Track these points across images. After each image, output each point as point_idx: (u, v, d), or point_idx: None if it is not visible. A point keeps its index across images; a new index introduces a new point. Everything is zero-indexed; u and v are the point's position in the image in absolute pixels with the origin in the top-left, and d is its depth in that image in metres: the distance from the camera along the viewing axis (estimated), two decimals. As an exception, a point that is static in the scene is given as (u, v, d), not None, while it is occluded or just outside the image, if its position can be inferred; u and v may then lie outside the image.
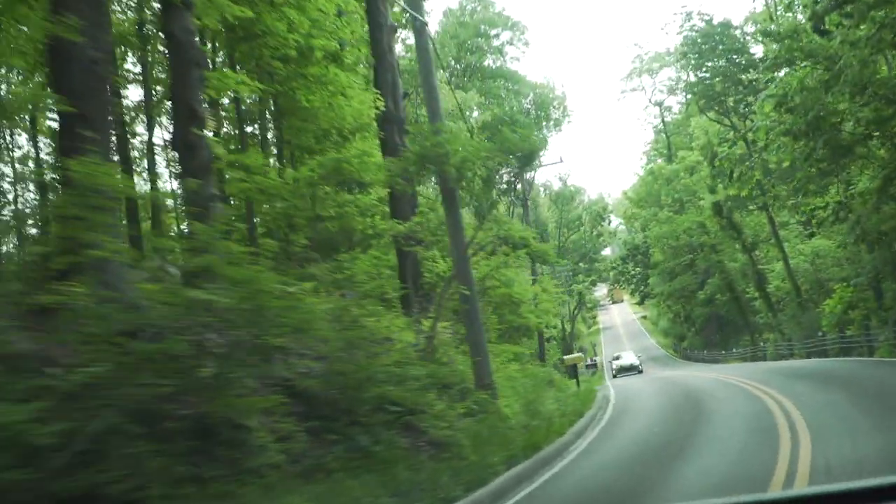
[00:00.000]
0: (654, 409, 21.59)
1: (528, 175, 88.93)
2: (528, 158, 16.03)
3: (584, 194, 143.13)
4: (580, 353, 35.74)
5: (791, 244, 47.38)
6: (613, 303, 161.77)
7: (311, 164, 18.68)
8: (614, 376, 53.22)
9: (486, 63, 76.05)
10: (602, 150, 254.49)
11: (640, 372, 53.32)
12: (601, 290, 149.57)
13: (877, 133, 25.57)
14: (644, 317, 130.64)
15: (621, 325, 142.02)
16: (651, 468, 11.46)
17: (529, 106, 77.27)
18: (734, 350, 54.47)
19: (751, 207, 47.01)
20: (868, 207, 27.51)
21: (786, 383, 21.12)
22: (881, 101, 24.51)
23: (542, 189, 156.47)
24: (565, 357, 32.48)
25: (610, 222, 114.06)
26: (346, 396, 10.98)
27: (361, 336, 12.91)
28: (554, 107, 78.89)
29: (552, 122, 79.84)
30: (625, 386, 36.55)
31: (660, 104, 74.01)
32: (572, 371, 32.37)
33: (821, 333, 34.45)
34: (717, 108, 47.00)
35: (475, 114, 75.71)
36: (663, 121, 76.26)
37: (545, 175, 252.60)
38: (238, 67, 21.66)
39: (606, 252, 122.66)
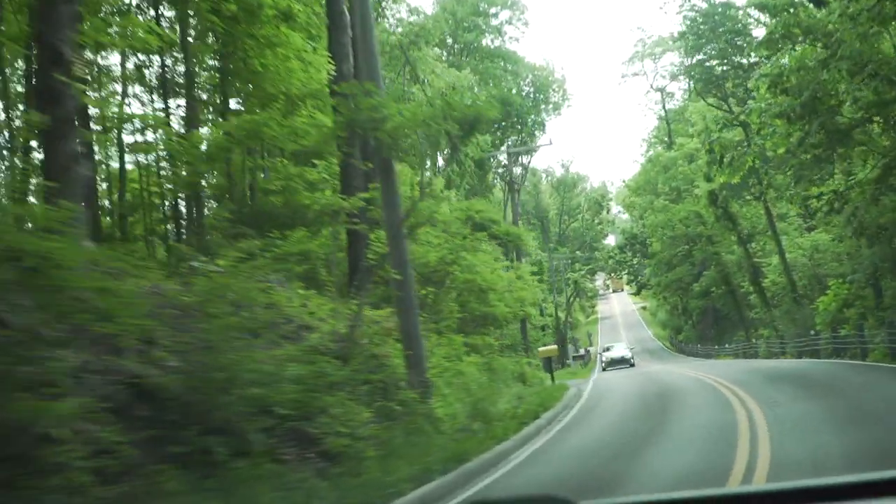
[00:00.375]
0: (619, 412, 19.75)
1: (525, 160, 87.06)
2: (472, 126, 13.98)
3: (586, 182, 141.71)
4: (555, 346, 33.54)
5: (789, 237, 45.33)
6: (613, 292, 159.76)
7: (227, 125, 16.67)
8: (604, 369, 50.69)
9: (484, 43, 73.88)
10: (605, 136, 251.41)
11: (632, 365, 50.38)
12: (602, 280, 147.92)
13: (877, 118, 23.50)
14: (644, 307, 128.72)
15: (620, 315, 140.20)
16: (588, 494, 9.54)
17: (528, 88, 75.15)
18: (727, 345, 52.41)
19: (747, 197, 44.89)
20: (866, 198, 25.46)
21: (765, 388, 19.33)
22: (882, 82, 22.41)
23: (544, 175, 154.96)
24: (540, 349, 30.49)
25: (609, 210, 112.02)
26: (202, 397, 9.04)
27: (253, 325, 10.97)
28: (553, 90, 76.70)
29: (551, 106, 77.67)
30: (608, 380, 34.68)
31: (661, 90, 71.73)
32: (547, 364, 30.44)
33: (813, 332, 32.44)
34: (716, 93, 44.89)
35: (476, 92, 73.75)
36: (664, 107, 74.01)
37: (547, 161, 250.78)
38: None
39: (609, 241, 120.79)
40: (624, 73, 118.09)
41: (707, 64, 42.16)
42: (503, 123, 72.48)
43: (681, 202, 57.77)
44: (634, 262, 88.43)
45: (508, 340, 46.76)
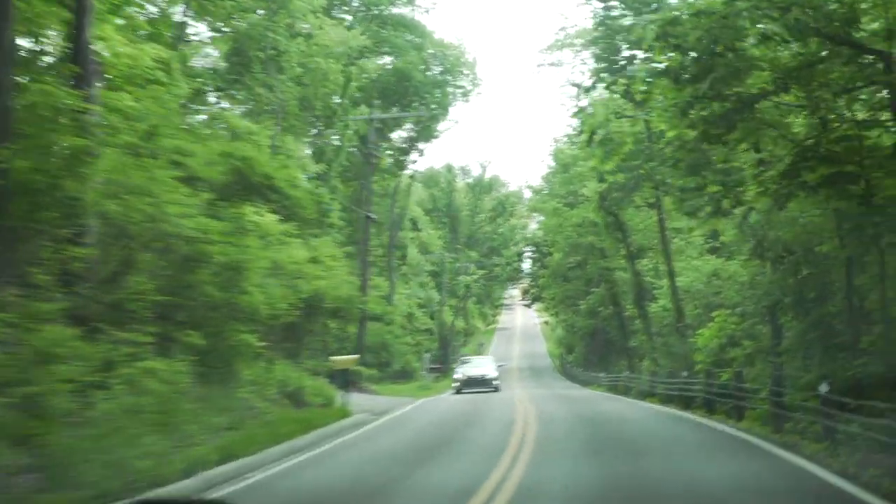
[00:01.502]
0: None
1: (422, 145, 79.75)
2: None
3: (504, 186, 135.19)
4: (355, 355, 26.00)
5: (686, 257, 38.81)
6: (527, 305, 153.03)
7: None
8: (457, 391, 39.03)
9: (393, 11, 66.21)
10: (521, 131, 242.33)
11: (495, 389, 38.28)
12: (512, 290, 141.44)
13: (794, 86, 16.59)
14: (546, 322, 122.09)
15: (521, 328, 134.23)
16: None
17: (436, 67, 67.53)
18: (602, 375, 45.66)
19: (639, 204, 38.31)
20: (767, 203, 18.67)
21: (560, 451, 12.42)
22: (808, 34, 15.57)
23: (460, 172, 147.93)
24: (333, 358, 23.08)
25: (511, 214, 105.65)
26: None
27: None
28: (463, 73, 69.32)
29: (459, 91, 70.35)
30: (433, 408, 27.57)
31: (577, 85, 64.53)
32: (340, 379, 23.08)
33: (685, 373, 25.64)
34: (621, 80, 38.02)
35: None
36: (578, 103, 66.82)
37: (465, 159, 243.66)
38: None
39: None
40: (541, 62, 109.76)
41: (609, 39, 35.23)
42: (402, 101, 64.97)
43: (578, 206, 50.87)
44: (532, 272, 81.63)
45: (335, 344, 39.45)
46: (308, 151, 54.82)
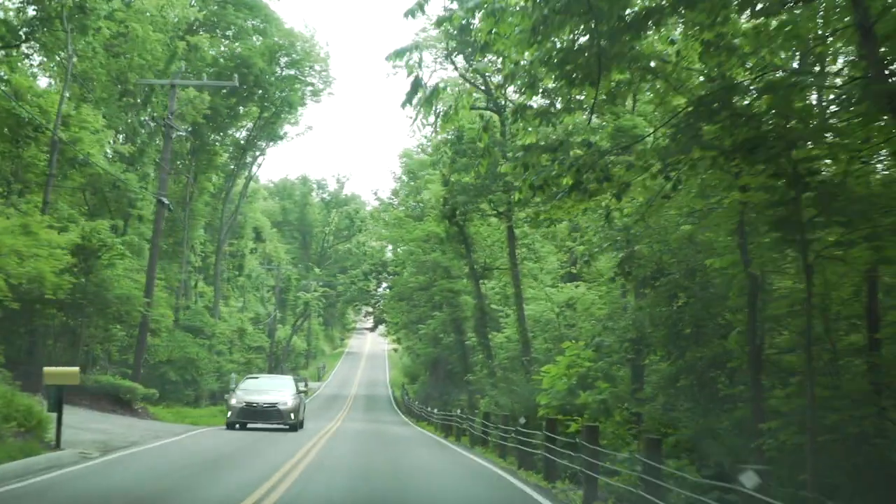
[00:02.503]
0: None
1: (268, 148, 72.62)
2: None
3: (361, 204, 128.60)
4: (75, 368, 19.47)
5: (538, 283, 33.52)
6: (372, 329, 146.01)
7: None
8: (231, 424, 27.24)
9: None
10: (377, 140, 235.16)
11: (293, 426, 27.54)
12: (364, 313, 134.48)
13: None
14: (396, 349, 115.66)
15: (368, 354, 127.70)
16: None
17: (284, 57, 60.73)
18: (435, 411, 39.65)
19: (487, 210, 32.73)
20: (645, 193, 13.12)
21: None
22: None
23: (315, 185, 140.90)
24: (48, 369, 16.31)
25: (360, 230, 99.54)
26: None
27: None
28: (313, 69, 62.81)
29: (309, 89, 63.78)
30: (186, 445, 20.87)
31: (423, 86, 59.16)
32: (54, 397, 16.19)
33: (523, 420, 19.86)
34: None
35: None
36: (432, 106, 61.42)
37: (321, 171, 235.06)
38: None
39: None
40: (395, 64, 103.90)
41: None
42: (243, 93, 57.89)
43: (425, 219, 45.01)
44: (377, 293, 75.51)
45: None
46: (119, 132, 47.38)
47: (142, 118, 46.87)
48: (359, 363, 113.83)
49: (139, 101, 45.70)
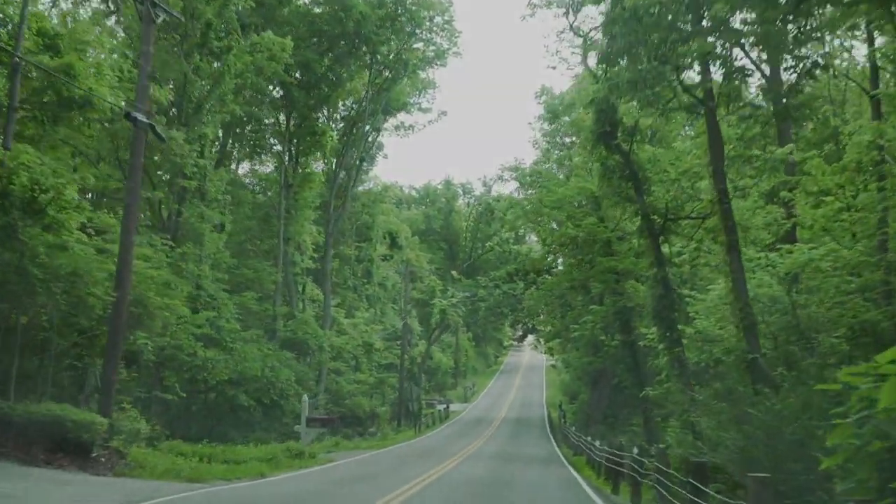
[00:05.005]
0: None
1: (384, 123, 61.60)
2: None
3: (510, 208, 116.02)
4: None
5: (747, 241, 20.56)
6: (519, 340, 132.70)
7: None
8: None
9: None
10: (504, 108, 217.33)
11: None
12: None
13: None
14: (554, 365, 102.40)
15: (524, 370, 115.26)
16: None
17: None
18: (597, 443, 26.34)
19: (667, 99, 19.69)
20: None
21: None
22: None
23: (460, 190, 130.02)
24: None
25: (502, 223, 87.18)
26: None
27: None
28: (434, 23, 51.38)
29: (431, 50, 52.51)
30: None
31: (584, 35, 46.25)
32: None
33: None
34: None
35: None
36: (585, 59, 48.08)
37: (465, 174, 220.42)
38: None
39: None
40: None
41: None
42: (342, 47, 47.04)
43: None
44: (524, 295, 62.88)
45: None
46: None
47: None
48: (513, 381, 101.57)
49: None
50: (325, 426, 28.36)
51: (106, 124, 26.21)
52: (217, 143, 48.48)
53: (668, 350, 21.51)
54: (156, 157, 31.89)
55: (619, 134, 22.10)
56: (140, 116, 18.56)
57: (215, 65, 35.43)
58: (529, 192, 49.17)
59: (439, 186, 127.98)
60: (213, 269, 36.23)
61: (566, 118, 35.13)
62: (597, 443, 25.38)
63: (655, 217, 22.34)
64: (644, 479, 15.78)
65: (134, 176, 19.11)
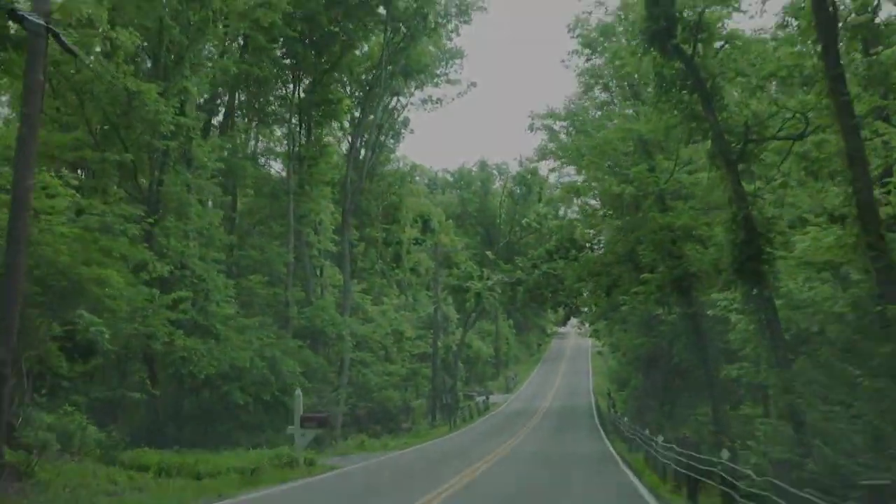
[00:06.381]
0: None
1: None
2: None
3: (546, 188, 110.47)
4: None
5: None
6: (562, 324, 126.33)
7: None
8: None
9: None
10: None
11: None
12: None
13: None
14: (600, 351, 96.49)
15: (569, 357, 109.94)
16: None
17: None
18: (659, 439, 21.08)
19: None
20: None
21: None
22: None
23: (495, 171, 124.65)
24: None
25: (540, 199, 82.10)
26: None
27: None
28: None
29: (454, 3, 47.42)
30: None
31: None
32: None
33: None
34: None
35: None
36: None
37: (500, 155, 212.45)
38: None
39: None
40: None
41: None
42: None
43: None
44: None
45: None
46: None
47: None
48: (558, 368, 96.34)
49: None
50: (322, 426, 23.32)
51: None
52: (221, 106, 43.99)
53: (755, 315, 16.30)
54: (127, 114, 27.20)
55: (678, 33, 16.95)
56: (33, 18, 13.74)
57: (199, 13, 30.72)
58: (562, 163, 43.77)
59: (474, 169, 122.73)
60: (205, 248, 31.68)
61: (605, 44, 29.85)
62: (659, 438, 20.15)
63: (731, 139, 17.10)
64: (743, 497, 10.63)
65: (30, 100, 14.31)
